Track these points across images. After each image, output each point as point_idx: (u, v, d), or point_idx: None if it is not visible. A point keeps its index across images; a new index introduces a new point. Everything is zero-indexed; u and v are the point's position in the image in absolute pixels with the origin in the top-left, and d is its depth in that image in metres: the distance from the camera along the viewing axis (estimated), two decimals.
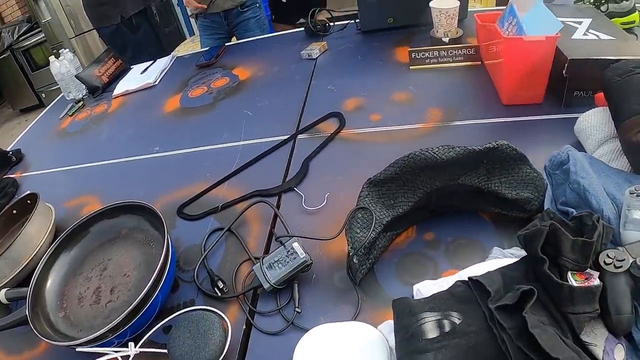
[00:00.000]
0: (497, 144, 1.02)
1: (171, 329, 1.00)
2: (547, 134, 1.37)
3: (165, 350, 0.98)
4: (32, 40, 6.08)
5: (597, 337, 0.72)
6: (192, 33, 5.90)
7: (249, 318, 1.05)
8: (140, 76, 2.60)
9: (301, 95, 1.88)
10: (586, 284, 0.73)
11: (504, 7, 1.52)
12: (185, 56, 2.81)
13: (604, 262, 0.76)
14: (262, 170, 1.53)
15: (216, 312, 1.03)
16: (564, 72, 1.37)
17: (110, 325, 0.98)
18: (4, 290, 1.21)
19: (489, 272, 0.83)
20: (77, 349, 0.99)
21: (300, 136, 1.63)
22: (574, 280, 0.74)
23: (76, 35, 5.15)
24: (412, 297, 0.95)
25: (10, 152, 2.11)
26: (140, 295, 1.01)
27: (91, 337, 0.98)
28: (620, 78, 1.14)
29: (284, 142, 1.62)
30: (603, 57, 1.33)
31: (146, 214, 1.26)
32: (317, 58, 2.18)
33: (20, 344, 1.18)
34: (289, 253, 1.08)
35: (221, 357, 0.95)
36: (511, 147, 1.03)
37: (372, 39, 2.24)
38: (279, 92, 1.98)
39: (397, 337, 0.81)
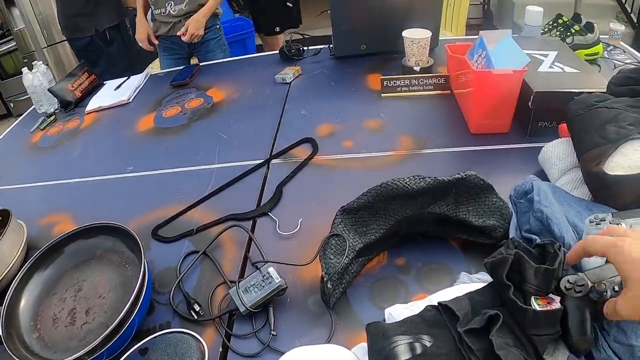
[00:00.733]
0: (465, 175, 1.06)
1: (148, 352, 1.01)
2: (513, 162, 1.42)
3: None
4: (4, 48, 5.95)
5: (558, 357, 0.76)
6: None
7: (226, 341, 1.05)
8: (114, 92, 2.57)
9: (275, 119, 1.90)
10: (548, 308, 0.76)
11: (474, 37, 1.57)
12: (159, 74, 2.79)
13: (565, 287, 0.78)
14: (236, 194, 1.54)
15: (193, 335, 1.04)
16: (529, 103, 1.43)
17: (88, 348, 0.97)
18: None
19: (457, 297, 0.87)
20: None
21: (274, 161, 1.65)
22: (536, 304, 0.77)
23: (48, 46, 5.05)
24: (384, 320, 0.98)
25: None
26: (119, 317, 1.00)
27: (68, 359, 0.97)
28: (583, 111, 1.19)
29: (258, 166, 1.63)
30: (567, 90, 1.39)
31: (122, 235, 1.25)
32: (290, 82, 2.20)
33: None
34: (265, 277, 1.10)
35: None
36: (478, 177, 1.07)
37: (346, 64, 2.28)
38: (253, 116, 1.99)
39: (371, 359, 0.84)
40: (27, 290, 1.22)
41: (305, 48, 2.48)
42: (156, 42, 2.82)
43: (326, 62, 2.36)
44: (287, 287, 1.10)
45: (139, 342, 1.03)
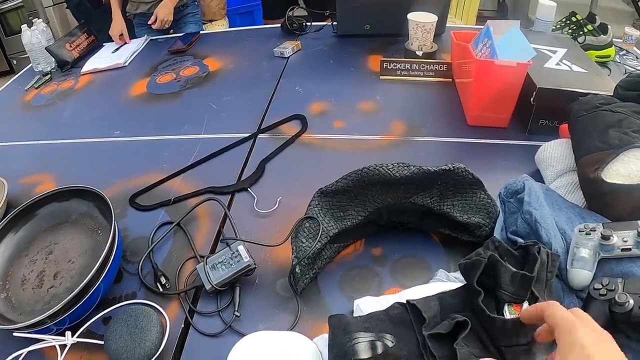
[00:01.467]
0: (453, 167, 1.01)
1: (110, 321, 0.98)
2: (508, 159, 1.37)
3: (102, 342, 0.95)
4: (10, 4, 5.90)
5: None
6: None
7: (188, 317, 1.02)
8: (111, 55, 2.54)
9: (267, 93, 1.86)
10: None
11: (482, 27, 1.52)
12: (160, 39, 2.76)
13: (594, 287, 0.78)
14: (219, 166, 1.50)
15: (156, 308, 1.01)
16: (531, 99, 1.38)
17: (50, 312, 0.94)
18: None
19: (427, 297, 0.82)
20: (14, 334, 0.96)
21: (261, 135, 1.61)
22: (509, 312, 0.73)
23: (54, 4, 5.00)
24: (352, 311, 0.94)
25: None
26: (82, 283, 0.97)
27: (29, 322, 0.94)
28: (586, 113, 1.14)
29: (244, 140, 1.59)
30: (572, 89, 1.34)
31: (97, 200, 1.22)
32: (289, 57, 2.16)
33: None
34: (234, 255, 1.05)
35: (157, 354, 0.92)
36: (467, 171, 1.02)
37: (347, 43, 2.24)
38: (246, 88, 1.95)
39: (330, 354, 0.80)
40: None
41: (308, 23, 2.43)
42: (128, 41, 2.75)
43: (327, 40, 2.31)
44: (255, 267, 1.05)
45: (104, 310, 1.01)
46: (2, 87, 2.47)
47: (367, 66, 1.99)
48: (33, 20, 2.59)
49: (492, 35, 1.43)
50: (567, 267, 0.88)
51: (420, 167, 1.01)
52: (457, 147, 1.44)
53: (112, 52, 2.56)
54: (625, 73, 1.79)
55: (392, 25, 2.15)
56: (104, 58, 2.51)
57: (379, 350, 0.75)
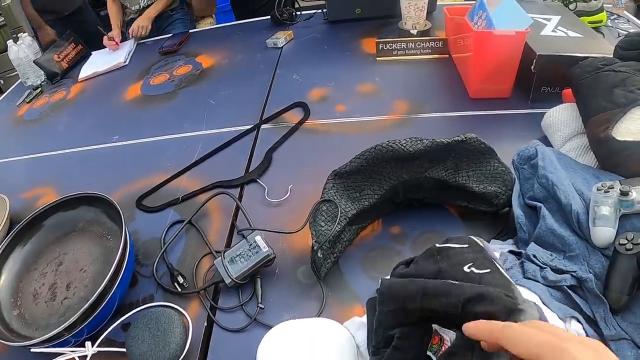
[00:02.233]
0: (465, 137, 1.00)
1: (130, 327, 0.96)
2: (514, 128, 1.36)
3: (124, 349, 0.93)
4: None
5: None
6: None
7: (210, 315, 1.01)
8: (109, 57, 2.54)
9: (265, 84, 1.85)
10: (442, 349, 0.68)
11: (473, 1, 1.51)
12: (147, 42, 2.74)
13: (619, 242, 0.78)
14: (224, 160, 1.49)
15: (176, 309, 1.00)
16: (532, 67, 1.37)
17: (66, 324, 0.92)
18: None
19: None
20: (32, 350, 0.94)
21: (263, 126, 1.60)
22: (432, 353, 0.69)
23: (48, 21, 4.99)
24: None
25: None
26: (97, 292, 0.95)
27: (46, 336, 0.92)
28: (589, 75, 1.14)
29: (247, 132, 1.58)
30: (571, 54, 1.33)
31: (103, 205, 1.20)
32: (282, 47, 2.15)
33: None
34: (251, 247, 1.04)
35: (182, 356, 0.91)
36: (479, 140, 1.01)
37: (339, 29, 2.22)
38: (242, 81, 1.94)
39: (370, 336, 0.78)
40: (6, 267, 1.18)
41: (298, 12, 2.42)
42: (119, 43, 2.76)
43: (319, 27, 2.30)
44: (275, 257, 1.04)
45: (122, 317, 0.98)
46: None
47: (362, 49, 1.97)
48: (18, 35, 2.58)
49: (486, 7, 1.42)
50: (590, 227, 0.87)
51: (433, 140, 1.00)
52: (462, 120, 1.43)
53: (108, 54, 2.58)
54: (619, 36, 1.78)
55: (383, 7, 2.14)
56: (101, 61, 2.50)
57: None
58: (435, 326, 0.69)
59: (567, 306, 0.80)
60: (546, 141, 1.24)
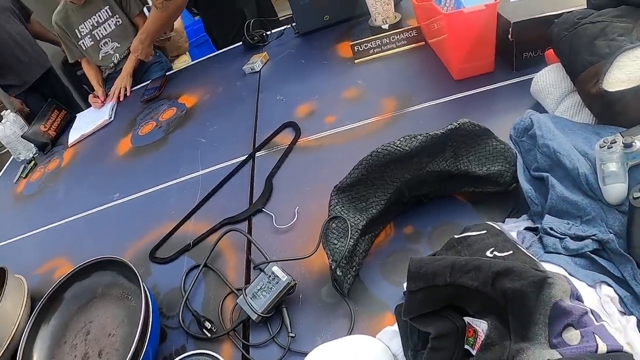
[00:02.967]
0: (459, 124, 0.99)
1: None
2: (505, 101, 1.35)
3: None
4: None
5: None
6: None
7: (244, 353, 1.00)
8: (93, 115, 2.57)
9: (251, 111, 1.85)
10: (478, 341, 0.66)
11: None
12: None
13: (633, 196, 0.76)
14: (227, 196, 1.48)
15: (211, 354, 0.99)
16: (509, 36, 1.35)
17: None
18: None
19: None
20: None
21: (258, 154, 1.59)
22: (470, 346, 0.68)
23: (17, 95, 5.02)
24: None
25: None
26: (129, 355, 0.95)
27: None
28: (567, 32, 1.12)
29: (243, 163, 1.57)
30: (546, 14, 1.31)
31: (118, 267, 1.21)
32: (260, 70, 2.15)
33: None
34: (271, 279, 1.03)
35: None
36: (473, 123, 0.99)
37: (312, 39, 2.22)
38: (228, 113, 1.94)
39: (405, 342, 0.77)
40: (36, 346, 1.19)
41: (267, 33, 2.42)
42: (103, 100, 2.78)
43: (292, 42, 2.30)
44: (296, 284, 1.04)
45: None
46: None
47: (339, 55, 1.96)
48: (2, 114, 2.59)
49: None
50: (600, 186, 0.85)
51: (427, 134, 0.99)
52: (452, 104, 1.42)
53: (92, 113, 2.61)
54: None
55: (350, 9, 2.14)
56: (86, 123, 2.52)
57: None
58: (467, 319, 0.68)
59: (594, 272, 0.79)
60: (539, 107, 1.23)
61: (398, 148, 0.98)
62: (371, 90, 1.65)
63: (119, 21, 2.78)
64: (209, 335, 1.06)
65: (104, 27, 2.77)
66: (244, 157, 1.59)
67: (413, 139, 0.99)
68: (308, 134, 1.57)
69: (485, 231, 0.74)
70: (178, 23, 3.72)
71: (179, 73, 2.71)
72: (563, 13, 1.23)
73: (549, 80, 1.20)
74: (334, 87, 1.76)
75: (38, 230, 1.82)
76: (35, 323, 1.19)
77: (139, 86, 2.79)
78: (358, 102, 1.62)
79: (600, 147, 0.88)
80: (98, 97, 2.70)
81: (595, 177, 0.87)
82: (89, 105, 2.77)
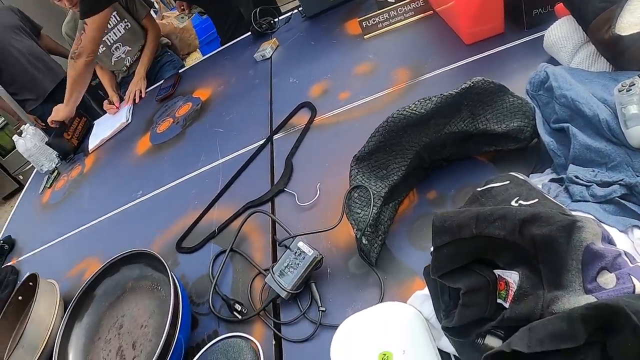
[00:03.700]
0: (472, 82, 0.97)
1: None
2: (518, 60, 1.32)
3: None
4: None
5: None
6: None
7: (276, 332, 1.01)
8: (111, 120, 2.59)
9: (266, 96, 1.85)
10: (510, 293, 0.64)
11: None
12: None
13: None
14: (248, 180, 1.49)
15: (242, 336, 1.00)
16: None
17: None
18: None
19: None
20: None
21: (276, 136, 1.59)
22: (502, 299, 0.65)
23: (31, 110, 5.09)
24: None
25: (1, 241, 2.07)
26: (161, 344, 0.96)
27: None
28: None
29: (262, 146, 1.58)
30: None
31: (145, 259, 1.23)
32: (271, 56, 2.14)
33: None
34: (297, 254, 1.03)
35: None
36: (487, 80, 0.98)
37: (320, 21, 2.21)
38: (243, 101, 1.94)
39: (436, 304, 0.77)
40: (71, 345, 1.21)
41: (275, 20, 2.42)
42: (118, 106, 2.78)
43: (300, 26, 2.29)
44: (322, 257, 1.03)
45: (193, 358, 1.00)
46: (17, 202, 2.53)
47: (348, 33, 1.95)
48: (22, 128, 2.63)
49: None
50: (623, 130, 0.84)
51: (441, 95, 0.98)
52: (465, 69, 1.40)
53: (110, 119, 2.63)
54: None
55: None
56: (104, 129, 2.54)
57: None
58: (497, 271, 0.67)
59: (625, 217, 0.77)
60: (554, 62, 1.20)
61: (413, 111, 0.97)
62: (383, 63, 1.64)
63: (127, 25, 2.80)
64: (240, 317, 1.07)
65: (114, 32, 2.79)
66: (262, 141, 1.59)
67: (428, 101, 0.98)
68: (324, 112, 1.56)
69: (508, 181, 0.73)
70: (187, 20, 3.72)
71: (191, 69, 2.72)
72: None
73: (561, 34, 1.18)
74: (345, 64, 1.75)
75: (67, 236, 1.85)
76: (69, 323, 1.21)
77: (153, 86, 2.80)
78: (371, 76, 1.61)
79: (619, 91, 0.86)
80: (113, 104, 2.72)
81: (616, 122, 0.86)
82: (105, 112, 2.79)
